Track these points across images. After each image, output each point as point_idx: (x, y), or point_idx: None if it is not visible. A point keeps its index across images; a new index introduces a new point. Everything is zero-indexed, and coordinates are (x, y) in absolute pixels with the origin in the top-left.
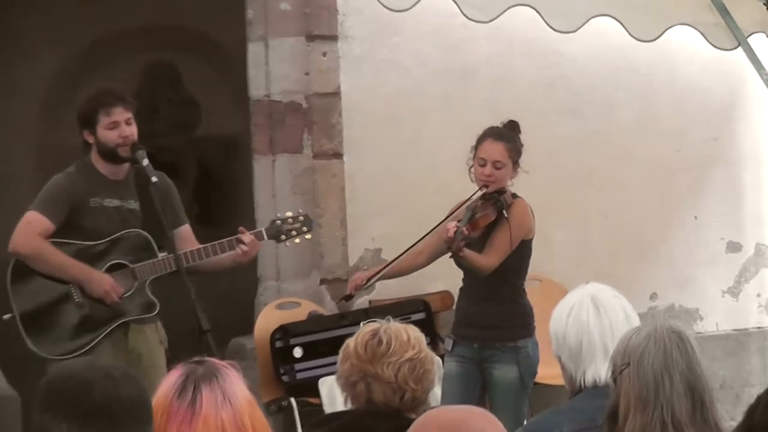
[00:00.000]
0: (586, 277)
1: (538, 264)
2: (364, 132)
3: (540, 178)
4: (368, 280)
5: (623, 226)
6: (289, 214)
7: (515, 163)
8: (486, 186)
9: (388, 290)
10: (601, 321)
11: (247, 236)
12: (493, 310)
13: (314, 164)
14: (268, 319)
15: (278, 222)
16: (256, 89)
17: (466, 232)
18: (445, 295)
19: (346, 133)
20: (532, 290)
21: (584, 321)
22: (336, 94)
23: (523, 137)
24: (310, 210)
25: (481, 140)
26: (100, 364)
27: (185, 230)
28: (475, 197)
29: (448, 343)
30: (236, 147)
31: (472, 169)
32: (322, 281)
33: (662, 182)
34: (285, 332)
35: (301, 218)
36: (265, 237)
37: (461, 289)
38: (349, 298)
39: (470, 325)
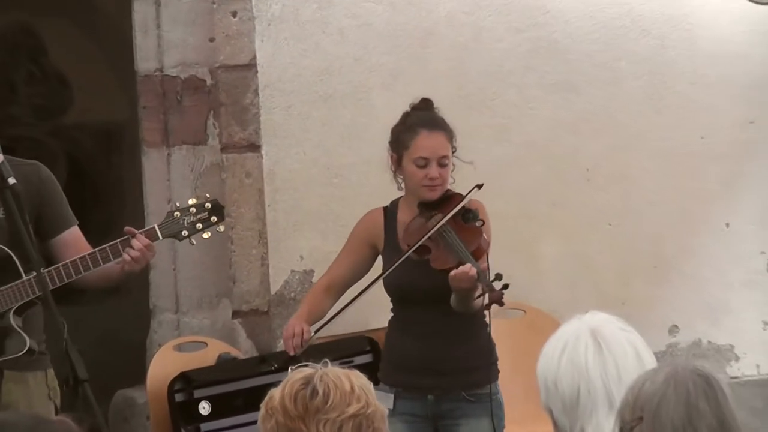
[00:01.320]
0: (585, 304)
1: (521, 288)
2: (288, 116)
3: (520, 174)
4: (315, 331)
5: (632, 237)
6: (192, 201)
7: (452, 152)
8: (432, 189)
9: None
10: (605, 362)
11: (137, 239)
12: (455, 350)
13: (222, 159)
14: (164, 365)
15: (176, 214)
16: (144, 62)
17: (484, 267)
18: None
19: (265, 118)
20: (513, 323)
21: (582, 362)
22: (250, 66)
23: (499, 120)
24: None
25: (409, 133)
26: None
27: (71, 235)
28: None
29: (388, 399)
30: (119, 137)
31: (399, 174)
32: (236, 314)
33: (683, 179)
34: (187, 382)
35: (207, 205)
36: (160, 236)
37: (396, 322)
38: (294, 361)
39: (422, 371)
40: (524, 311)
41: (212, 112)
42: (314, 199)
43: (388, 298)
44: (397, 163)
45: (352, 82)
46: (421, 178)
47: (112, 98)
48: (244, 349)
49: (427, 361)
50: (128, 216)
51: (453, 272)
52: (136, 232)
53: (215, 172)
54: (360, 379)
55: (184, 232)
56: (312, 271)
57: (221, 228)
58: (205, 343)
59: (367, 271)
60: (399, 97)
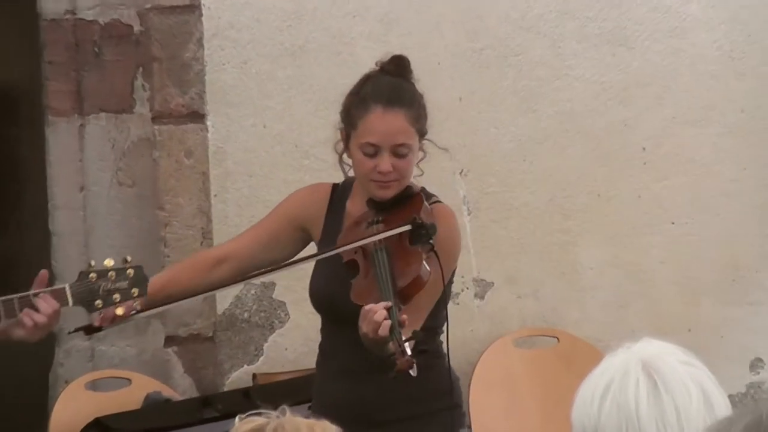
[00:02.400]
0: (637, 330)
1: (552, 308)
2: (243, 75)
3: (553, 155)
4: (140, 310)
5: (702, 241)
6: (109, 263)
7: (421, 136)
8: (384, 186)
9: (280, 359)
10: (662, 406)
11: (43, 299)
12: (398, 391)
13: (154, 132)
14: (73, 408)
15: (92, 276)
16: (50, 1)
17: (403, 320)
18: None
19: (212, 78)
20: (542, 354)
21: (632, 406)
22: (192, 7)
23: (525, 83)
24: (148, 213)
25: (359, 108)
26: None
27: None
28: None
29: None
30: (14, 104)
31: (346, 159)
32: (170, 340)
33: (760, 163)
34: (103, 430)
35: (129, 272)
36: (70, 301)
37: (322, 350)
38: (92, 330)
39: (353, 422)
40: (557, 338)
41: (141, 69)
42: (277, 188)
43: None
44: (346, 144)
45: (330, 31)
46: (368, 170)
47: (5, 50)
48: (181, 387)
49: (358, 407)
50: (26, 211)
51: (362, 312)
52: (46, 289)
53: (144, 150)
54: (326, 430)
55: (98, 302)
56: (273, 283)
57: (138, 305)
58: (129, 379)
59: (286, 257)
60: (391, 52)
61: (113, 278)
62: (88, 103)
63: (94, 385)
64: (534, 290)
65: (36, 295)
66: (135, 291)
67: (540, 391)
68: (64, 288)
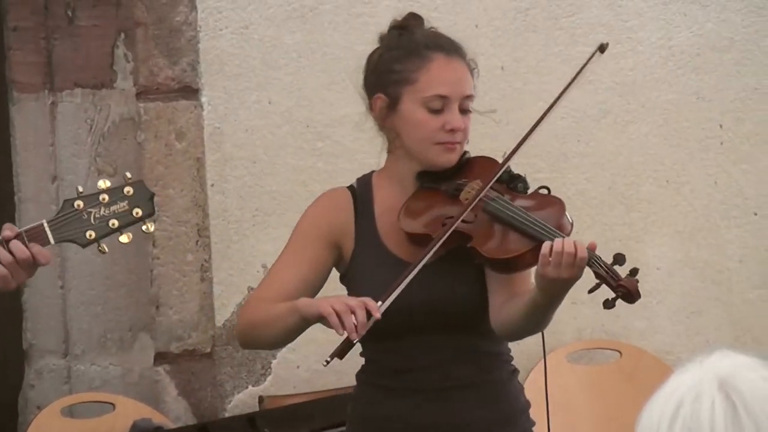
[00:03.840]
0: (712, 341)
1: (614, 318)
2: (244, 43)
3: (609, 132)
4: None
5: None
6: (103, 184)
7: None
8: (452, 149)
9: (291, 378)
10: (741, 428)
11: (15, 242)
12: (473, 411)
13: (140, 111)
14: None
15: (78, 203)
16: None
17: (593, 245)
18: None
19: (207, 46)
20: (603, 369)
21: (705, 430)
22: None
23: (579, 48)
24: None
25: (415, 59)
26: None
27: None
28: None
29: None
30: None
31: (389, 128)
32: (161, 357)
33: None
34: None
35: (127, 190)
36: (51, 239)
37: (372, 372)
38: (346, 351)
39: None
40: (620, 352)
41: (123, 36)
42: (285, 175)
43: None
44: (389, 110)
45: None
46: (434, 130)
47: None
48: (174, 413)
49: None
50: None
51: (549, 249)
52: (18, 230)
53: (127, 132)
54: None
55: (90, 233)
56: None
57: (149, 227)
58: (112, 404)
59: (321, 286)
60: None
61: (106, 201)
62: (60, 77)
63: (71, 411)
64: (592, 295)
65: (7, 241)
66: (137, 211)
67: (599, 413)
68: (41, 224)
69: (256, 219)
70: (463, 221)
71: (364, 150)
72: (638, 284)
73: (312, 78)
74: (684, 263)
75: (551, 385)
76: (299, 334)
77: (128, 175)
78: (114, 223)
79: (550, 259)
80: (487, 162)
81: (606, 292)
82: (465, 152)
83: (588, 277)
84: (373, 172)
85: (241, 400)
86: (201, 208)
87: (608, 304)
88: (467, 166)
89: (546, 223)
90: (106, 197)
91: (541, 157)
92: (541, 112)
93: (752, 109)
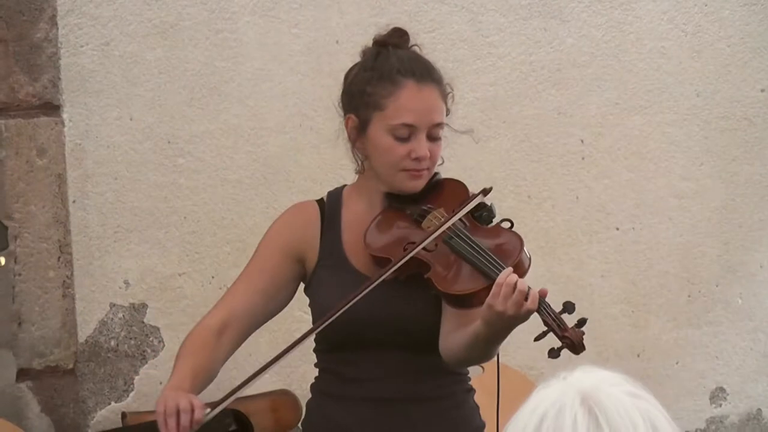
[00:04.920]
0: (573, 357)
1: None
2: (105, 58)
3: (468, 149)
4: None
5: (649, 247)
6: None
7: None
8: (417, 176)
9: (153, 394)
10: None
11: None
12: (430, 420)
13: (1, 128)
14: None
15: None
16: None
17: (544, 291)
18: (286, 399)
19: (68, 62)
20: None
21: None
22: None
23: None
24: None
25: (386, 84)
26: None
27: None
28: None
29: None
30: None
31: (360, 149)
32: (23, 374)
33: (718, 156)
34: None
35: None
36: None
37: (329, 381)
38: None
39: None
40: (482, 368)
41: None
42: (147, 192)
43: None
44: (358, 132)
45: (207, 4)
46: (400, 157)
47: None
48: (38, 429)
49: None
50: None
51: (495, 287)
52: None
53: None
54: None
55: None
56: (144, 305)
57: (1, 261)
58: None
59: (288, 302)
60: (281, 29)
61: None
62: None
63: None
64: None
65: None
66: None
67: None
68: None
69: (118, 235)
70: (424, 249)
71: (224, 166)
72: (584, 336)
73: (173, 94)
74: (546, 278)
75: None
76: None
77: None
78: None
79: (501, 290)
80: (455, 187)
81: (552, 340)
82: (436, 173)
83: (535, 322)
84: (345, 185)
85: (104, 417)
86: (63, 224)
87: (553, 354)
88: (436, 189)
89: (503, 263)
90: None
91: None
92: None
93: (613, 124)
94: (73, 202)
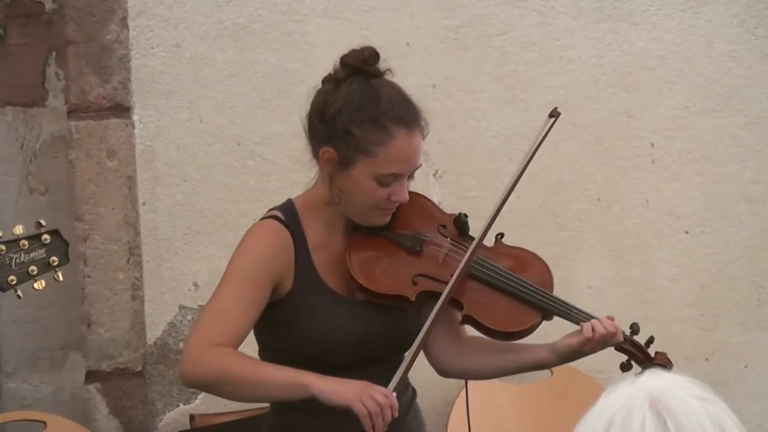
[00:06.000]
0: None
1: (544, 335)
2: (175, 61)
3: (538, 153)
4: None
5: (717, 255)
6: (19, 231)
7: None
8: (388, 213)
9: (222, 398)
10: None
11: None
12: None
13: (71, 129)
14: None
15: (1, 247)
16: None
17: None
18: None
19: (138, 64)
20: (534, 388)
21: None
22: None
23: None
24: (64, 225)
25: (378, 132)
26: None
27: None
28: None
29: None
30: None
31: (337, 183)
32: (92, 375)
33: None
34: None
35: (45, 238)
36: None
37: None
38: None
39: None
40: (551, 371)
41: (54, 54)
42: (216, 194)
43: None
44: (336, 166)
45: (278, 6)
46: (380, 200)
47: None
48: (106, 431)
49: None
50: None
51: (591, 331)
52: None
53: (59, 150)
54: None
55: (11, 278)
56: None
57: (60, 276)
58: (43, 422)
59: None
60: (352, 31)
61: (26, 248)
62: None
63: (2, 430)
64: None
65: None
66: (54, 260)
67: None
68: None
69: (188, 237)
70: (443, 282)
71: (295, 168)
72: (667, 356)
73: (243, 96)
74: (615, 282)
75: (482, 405)
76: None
77: (42, 222)
78: (33, 269)
79: (593, 338)
80: (416, 201)
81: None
82: None
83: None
84: (293, 202)
85: (173, 419)
86: (132, 226)
87: (625, 367)
88: (399, 211)
89: (546, 291)
90: (26, 243)
91: (472, 175)
92: (474, 131)
93: (683, 128)
94: (143, 204)
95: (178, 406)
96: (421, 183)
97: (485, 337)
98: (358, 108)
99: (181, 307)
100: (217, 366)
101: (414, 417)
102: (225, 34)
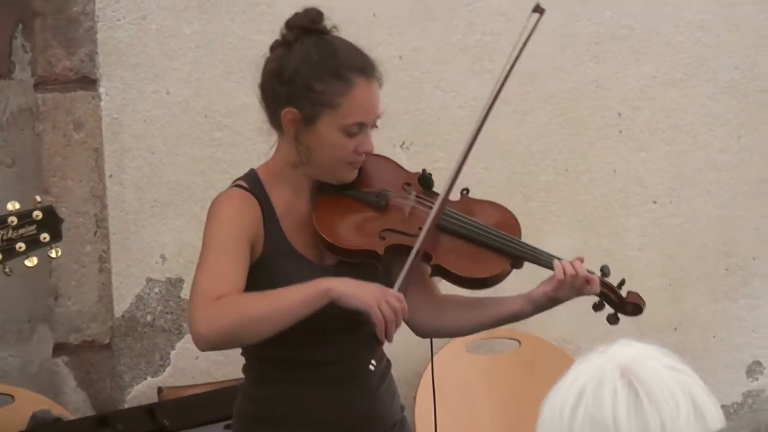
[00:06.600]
0: (612, 330)
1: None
2: (141, 32)
3: (506, 123)
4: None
5: (690, 223)
6: (12, 206)
7: None
8: (356, 167)
9: (190, 369)
10: (644, 418)
11: None
12: (391, 397)
13: (38, 102)
14: None
15: None
16: None
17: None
18: None
19: (105, 36)
20: (503, 359)
21: (608, 419)
22: None
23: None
24: (31, 197)
25: (336, 86)
26: None
27: None
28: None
29: None
30: None
31: (302, 143)
32: (60, 348)
33: (756, 129)
34: None
35: (36, 214)
36: None
37: (264, 370)
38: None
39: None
40: (518, 341)
41: (20, 26)
42: (184, 165)
43: None
44: (301, 125)
45: None
46: (348, 153)
47: None
48: (74, 404)
49: (350, 418)
50: None
51: (563, 273)
52: None
53: (25, 123)
54: None
55: None
56: (181, 279)
57: (57, 252)
58: (11, 395)
59: None
60: (318, 2)
61: (14, 224)
62: None
63: None
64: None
65: None
66: (45, 236)
67: (500, 404)
68: None
69: (155, 210)
70: (410, 235)
71: (262, 139)
72: (640, 296)
73: (210, 68)
74: (583, 252)
75: (451, 377)
76: None
77: (38, 198)
78: (21, 246)
79: (566, 281)
80: (379, 161)
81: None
82: None
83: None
84: (256, 172)
85: (140, 391)
86: (99, 198)
87: (613, 320)
88: (362, 170)
89: (514, 237)
90: (15, 220)
91: (438, 146)
92: (441, 102)
93: (650, 98)
94: (110, 176)
95: (145, 378)
96: (388, 153)
97: (460, 295)
98: (316, 63)
99: (149, 280)
100: (232, 315)
101: (388, 386)
102: (191, 5)
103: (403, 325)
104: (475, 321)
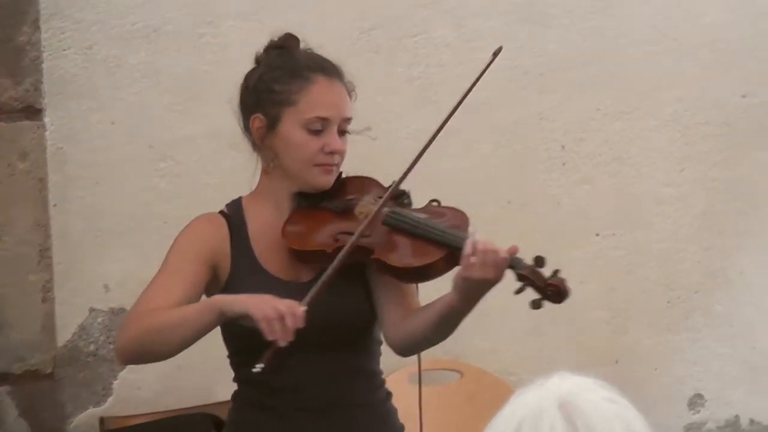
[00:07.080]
0: (553, 362)
1: (453, 338)
2: (88, 62)
3: (451, 154)
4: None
5: (632, 255)
6: None
7: None
8: (329, 171)
9: (132, 399)
10: None
11: None
12: (363, 423)
13: None
14: None
15: None
16: None
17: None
18: None
19: (50, 66)
20: (444, 390)
21: None
22: None
23: (416, 69)
24: None
25: (296, 80)
26: None
27: None
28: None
29: None
30: None
31: (267, 148)
32: (2, 378)
33: (699, 163)
34: None
35: None
36: None
37: (246, 393)
38: (273, 357)
39: None
40: (459, 372)
41: None
42: (130, 196)
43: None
44: (267, 131)
45: (190, 9)
46: (314, 152)
47: None
48: None
49: None
50: None
51: (471, 248)
52: None
53: None
54: None
55: None
56: (124, 309)
57: None
58: None
59: None
60: (264, 33)
61: None
62: None
63: None
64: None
65: None
66: None
67: None
68: None
69: (99, 239)
70: (362, 236)
71: (206, 170)
72: (566, 282)
73: (155, 98)
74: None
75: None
76: (201, 337)
77: None
78: None
79: (474, 259)
80: (364, 181)
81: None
82: (340, 173)
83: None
84: (241, 197)
85: (82, 421)
86: (43, 228)
87: (536, 304)
88: (344, 185)
89: (453, 230)
90: None
91: (381, 176)
92: (385, 133)
93: (594, 130)
94: (54, 206)
95: (88, 408)
96: None
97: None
98: (277, 67)
99: (92, 310)
100: (141, 325)
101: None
102: (137, 36)
103: None
104: (426, 322)
